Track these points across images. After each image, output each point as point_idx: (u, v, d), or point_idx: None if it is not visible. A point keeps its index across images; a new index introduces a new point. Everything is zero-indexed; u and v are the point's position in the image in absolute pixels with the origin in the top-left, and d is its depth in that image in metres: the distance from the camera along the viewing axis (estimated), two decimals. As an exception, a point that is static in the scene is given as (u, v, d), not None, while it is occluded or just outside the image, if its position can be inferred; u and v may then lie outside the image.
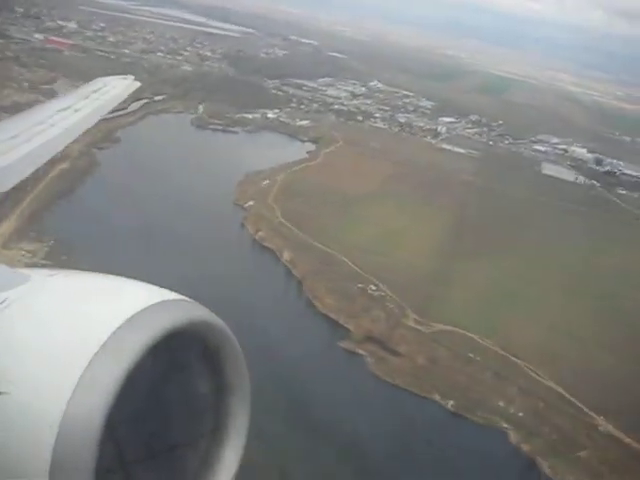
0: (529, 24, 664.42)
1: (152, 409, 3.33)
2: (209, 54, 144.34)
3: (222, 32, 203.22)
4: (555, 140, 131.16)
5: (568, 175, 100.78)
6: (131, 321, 3.07)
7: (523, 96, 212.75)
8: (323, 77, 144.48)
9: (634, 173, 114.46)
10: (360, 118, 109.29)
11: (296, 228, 56.96)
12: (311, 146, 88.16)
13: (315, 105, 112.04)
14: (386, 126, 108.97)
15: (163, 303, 3.23)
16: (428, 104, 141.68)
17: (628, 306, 54.39)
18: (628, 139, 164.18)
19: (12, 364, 3.04)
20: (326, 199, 65.67)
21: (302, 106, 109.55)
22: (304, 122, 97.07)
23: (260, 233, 55.38)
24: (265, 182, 66.69)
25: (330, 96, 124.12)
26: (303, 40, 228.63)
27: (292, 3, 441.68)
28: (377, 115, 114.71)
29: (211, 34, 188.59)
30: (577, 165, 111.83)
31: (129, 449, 3.18)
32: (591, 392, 40.11)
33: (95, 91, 12.32)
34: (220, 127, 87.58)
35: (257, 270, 49.27)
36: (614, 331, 48.92)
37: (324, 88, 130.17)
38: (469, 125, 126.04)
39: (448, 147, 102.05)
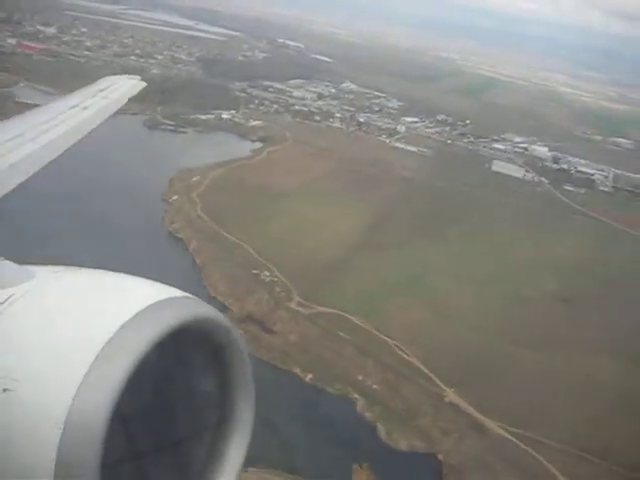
0: (527, 24, 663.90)
1: (157, 405, 3.37)
2: (184, 57, 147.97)
3: (207, 35, 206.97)
4: (518, 139, 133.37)
5: (517, 172, 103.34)
6: (136, 318, 3.09)
7: (505, 97, 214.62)
8: (295, 79, 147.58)
9: (589, 170, 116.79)
10: (318, 118, 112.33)
11: (211, 221, 60.23)
12: (258, 145, 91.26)
13: (275, 106, 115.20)
14: (343, 126, 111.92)
15: (168, 300, 3.25)
16: (396, 104, 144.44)
17: (520, 293, 57.29)
18: (599, 138, 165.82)
19: (17, 361, 3.03)
20: (252, 194, 68.88)
21: (262, 107, 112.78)
22: (257, 122, 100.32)
23: (174, 225, 58.76)
24: (195, 178, 69.93)
25: (295, 97, 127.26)
26: (290, 43, 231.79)
27: (288, 6, 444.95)
28: (337, 115, 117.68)
29: (194, 37, 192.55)
30: (532, 163, 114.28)
31: (135, 444, 3.23)
32: (450, 368, 43.14)
33: (102, 90, 12.58)
34: (171, 128, 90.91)
35: (162, 258, 52.50)
36: (494, 316, 51.79)
37: (291, 90, 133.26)
38: (432, 125, 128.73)
39: (401, 146, 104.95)
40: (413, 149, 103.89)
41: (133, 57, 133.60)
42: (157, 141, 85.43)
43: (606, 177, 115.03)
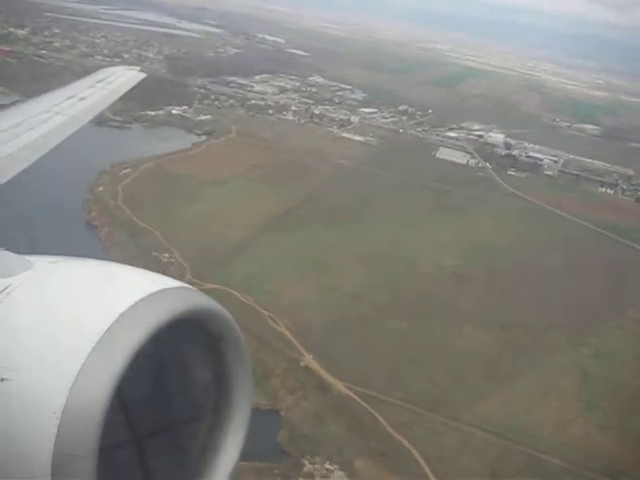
0: (522, 15, 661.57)
1: (154, 395, 3.44)
2: (151, 55, 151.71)
3: (185, 33, 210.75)
4: (477, 127, 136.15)
5: (461, 159, 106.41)
6: (134, 308, 3.12)
7: (483, 86, 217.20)
8: (262, 74, 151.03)
9: (538, 156, 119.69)
10: (271, 112, 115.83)
11: (129, 209, 64.11)
12: (202, 139, 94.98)
13: (231, 101, 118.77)
14: (295, 118, 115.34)
15: (166, 291, 3.29)
16: (360, 96, 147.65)
17: (415, 270, 60.85)
18: (566, 124, 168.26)
19: (15, 350, 3.04)
20: (178, 184, 72.65)
21: (216, 102, 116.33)
22: (206, 117, 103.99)
23: (92, 214, 62.70)
24: (126, 171, 73.79)
25: (255, 92, 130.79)
26: (269, 38, 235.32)
27: (283, 2, 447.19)
28: (293, 108, 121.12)
29: (171, 35, 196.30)
30: (482, 149, 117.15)
31: (132, 433, 3.26)
32: (317, 337, 46.74)
33: (100, 81, 12.75)
34: (117, 124, 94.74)
35: (72, 243, 56.30)
36: (381, 291, 55.39)
37: (253, 85, 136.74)
38: (389, 115, 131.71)
39: (348, 136, 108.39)
40: (360, 139, 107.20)
41: (99, 57, 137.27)
42: (99, 137, 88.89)
43: (555, 162, 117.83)
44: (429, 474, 34.60)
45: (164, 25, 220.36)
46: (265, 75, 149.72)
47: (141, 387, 3.32)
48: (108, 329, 3.05)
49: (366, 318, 50.18)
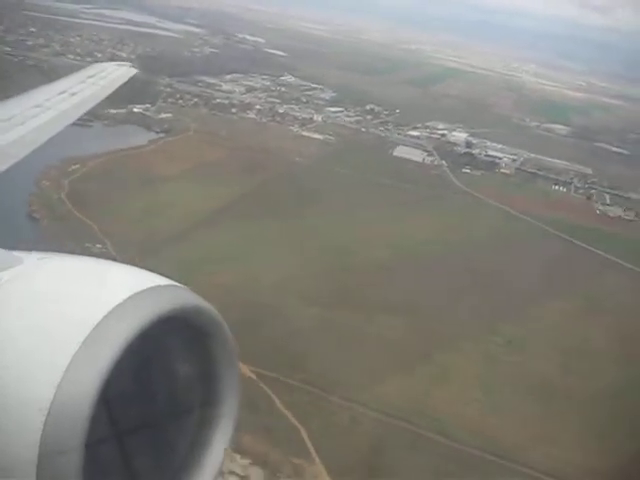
0: (510, 16, 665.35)
1: (142, 393, 3.50)
2: (124, 55, 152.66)
3: (165, 33, 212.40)
4: (442, 126, 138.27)
5: (418, 157, 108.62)
6: (122, 306, 3.17)
7: (460, 87, 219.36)
8: (234, 73, 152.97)
9: (497, 154, 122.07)
10: (234, 110, 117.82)
11: (70, 203, 66.17)
12: (160, 136, 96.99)
13: (196, 100, 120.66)
14: (258, 117, 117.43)
15: (154, 288, 3.36)
16: (329, 96, 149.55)
17: (347, 263, 63.08)
18: (535, 124, 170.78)
19: (2, 346, 3.07)
20: (126, 180, 74.65)
21: (180, 101, 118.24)
22: (167, 115, 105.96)
23: (34, 207, 64.76)
24: (75, 166, 75.77)
25: (223, 91, 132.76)
26: (250, 38, 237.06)
27: (271, 2, 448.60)
28: (257, 107, 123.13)
29: (148, 35, 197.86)
30: (442, 147, 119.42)
31: (119, 430, 3.29)
32: (228, 322, 48.88)
33: (92, 76, 12.81)
34: (78, 122, 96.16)
35: (13, 233, 58.21)
36: (307, 282, 57.60)
37: (222, 84, 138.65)
38: (354, 114, 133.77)
39: (307, 134, 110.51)
40: (319, 137, 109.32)
41: (71, 55, 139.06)
42: (58, 134, 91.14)
43: (514, 161, 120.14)
44: (311, 449, 36.72)
45: (144, 24, 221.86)
46: (236, 74, 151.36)
47: (128, 384, 3.35)
48: (96, 326, 3.07)
49: (283, 306, 52.29)
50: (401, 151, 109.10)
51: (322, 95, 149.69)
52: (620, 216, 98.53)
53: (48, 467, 2.90)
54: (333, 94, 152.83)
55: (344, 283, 59.08)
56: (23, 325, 3.19)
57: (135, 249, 57.59)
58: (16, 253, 3.80)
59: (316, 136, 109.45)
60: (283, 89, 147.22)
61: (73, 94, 11.50)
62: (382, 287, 59.17)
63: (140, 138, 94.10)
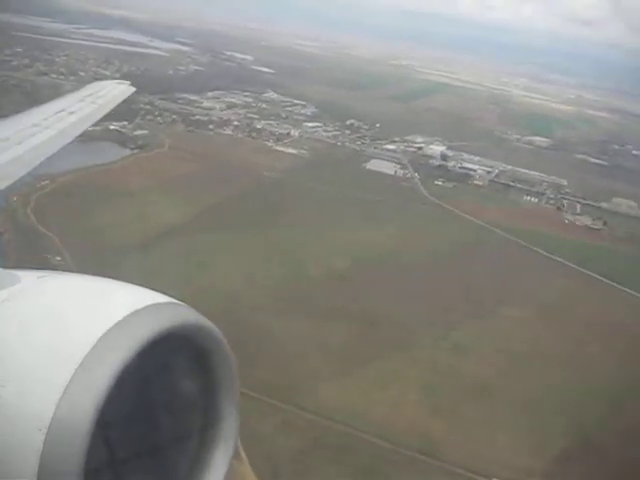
0: (504, 32, 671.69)
1: (142, 411, 3.44)
2: (108, 74, 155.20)
3: (152, 51, 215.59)
4: (420, 140, 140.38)
5: (390, 170, 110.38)
6: (121, 324, 3.15)
7: (443, 101, 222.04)
8: (214, 90, 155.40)
9: (472, 167, 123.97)
10: (211, 127, 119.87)
11: (35, 217, 67.86)
12: (133, 152, 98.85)
13: (174, 117, 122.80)
14: (234, 133, 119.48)
15: (153, 306, 3.34)
16: (310, 111, 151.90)
17: (303, 273, 64.58)
18: (516, 137, 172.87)
19: (1, 365, 3.06)
20: (92, 195, 76.34)
21: (159, 118, 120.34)
22: (143, 132, 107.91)
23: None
24: (44, 182, 77.50)
25: (202, 107, 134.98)
26: (238, 55, 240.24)
27: (262, 20, 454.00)
28: (235, 123, 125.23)
29: (136, 54, 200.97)
30: (416, 161, 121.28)
31: (118, 450, 3.27)
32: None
33: (90, 95, 12.78)
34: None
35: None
36: (260, 290, 59.10)
37: (203, 101, 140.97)
38: (332, 129, 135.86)
39: (282, 149, 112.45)
40: (293, 151, 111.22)
41: (54, 75, 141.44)
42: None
43: (489, 172, 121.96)
44: (241, 449, 37.94)
45: (133, 44, 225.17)
46: (218, 92, 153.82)
47: (128, 403, 3.31)
48: (95, 345, 3.06)
49: (228, 312, 53.54)
50: (374, 164, 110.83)
51: (303, 111, 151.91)
52: (587, 225, 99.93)
53: None
54: (314, 110, 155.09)
55: (298, 292, 60.51)
56: (22, 343, 3.18)
57: (93, 262, 59.12)
58: (14, 272, 3.78)
59: (290, 151, 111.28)
60: (264, 105, 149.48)
61: (71, 113, 11.43)
62: (336, 295, 60.58)
63: (113, 154, 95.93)
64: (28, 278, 3.72)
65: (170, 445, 3.64)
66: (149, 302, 3.38)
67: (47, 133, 10.01)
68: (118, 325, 3.17)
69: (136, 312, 3.26)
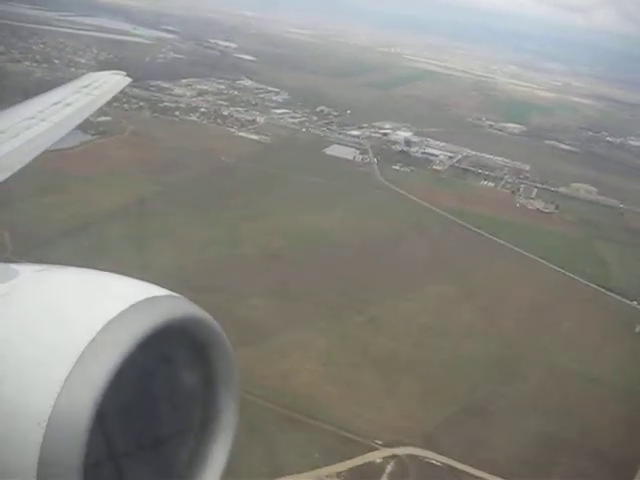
0: (499, 18, 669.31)
1: (141, 404, 3.47)
2: (84, 61, 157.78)
3: (133, 39, 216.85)
4: (388, 126, 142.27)
5: (349, 155, 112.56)
6: (120, 317, 3.18)
7: (424, 88, 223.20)
8: (188, 78, 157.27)
9: (434, 152, 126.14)
10: (177, 113, 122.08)
11: (-21, 200, 70.40)
12: (93, 138, 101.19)
13: (141, 103, 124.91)
14: (199, 119, 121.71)
15: (152, 299, 3.36)
16: (281, 98, 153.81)
17: (238, 252, 67.20)
18: (490, 124, 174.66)
19: (0, 359, 3.06)
20: (44, 178, 78.65)
21: (125, 104, 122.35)
22: (106, 118, 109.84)
23: (-54, 203, 69.02)
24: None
25: (172, 95, 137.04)
26: (222, 43, 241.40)
27: (258, 7, 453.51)
28: (202, 110, 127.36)
29: (116, 41, 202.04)
30: (380, 146, 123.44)
31: (118, 444, 3.30)
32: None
33: (86, 86, 12.60)
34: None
35: None
36: (191, 269, 61.72)
37: (175, 88, 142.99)
38: (300, 115, 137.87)
39: (244, 135, 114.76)
40: (255, 137, 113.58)
41: (27, 62, 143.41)
42: None
43: (451, 158, 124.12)
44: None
45: (116, 31, 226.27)
46: (193, 79, 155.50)
47: (127, 396, 3.36)
48: (93, 339, 3.10)
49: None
50: (334, 150, 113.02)
51: (275, 98, 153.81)
52: (538, 209, 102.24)
53: None
54: (287, 97, 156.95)
55: (228, 270, 63.11)
56: (21, 338, 3.17)
57: (32, 241, 61.89)
58: (12, 265, 3.78)
59: (252, 137, 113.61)
60: (236, 92, 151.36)
61: (68, 105, 11.35)
62: (263, 272, 63.19)
63: (72, 140, 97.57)
64: (25, 272, 3.70)
65: (169, 438, 3.67)
66: (147, 295, 3.40)
67: (43, 125, 9.94)
68: (116, 319, 3.18)
69: (134, 306, 3.27)
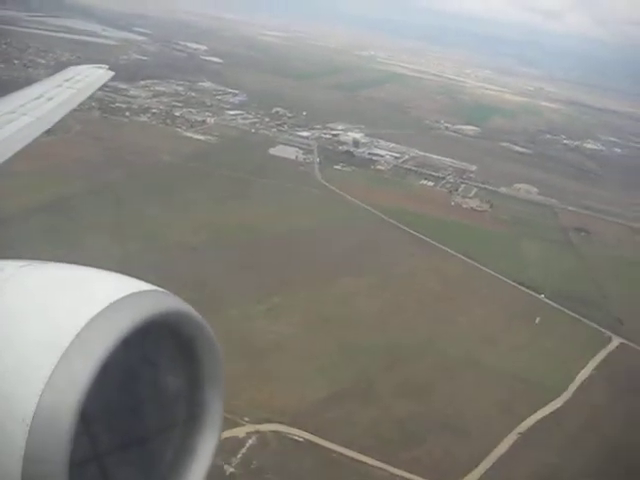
0: (482, 24, 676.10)
1: (126, 400, 3.46)
2: (43, 62, 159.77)
3: (100, 41, 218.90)
4: (341, 127, 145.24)
5: (292, 155, 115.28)
6: (104, 313, 3.16)
7: (389, 91, 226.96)
8: (147, 79, 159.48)
9: (380, 152, 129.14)
10: (127, 114, 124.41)
11: None
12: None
13: (93, 104, 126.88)
14: (149, 120, 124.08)
15: (137, 294, 3.35)
16: (238, 100, 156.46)
17: (161, 245, 69.68)
18: (447, 126, 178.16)
19: None
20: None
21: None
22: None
23: None
24: None
25: (127, 96, 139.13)
26: (191, 45, 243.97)
27: (236, 10, 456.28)
28: (153, 111, 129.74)
29: (82, 43, 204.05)
30: (326, 146, 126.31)
31: (103, 440, 3.28)
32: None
33: (68, 80, 12.62)
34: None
35: None
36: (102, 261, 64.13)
37: (131, 89, 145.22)
38: (253, 117, 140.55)
39: (190, 135, 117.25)
40: (201, 138, 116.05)
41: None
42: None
43: (396, 158, 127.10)
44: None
45: (84, 33, 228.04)
46: (152, 80, 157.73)
47: (112, 393, 3.37)
48: (78, 335, 3.08)
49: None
50: (278, 150, 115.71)
51: (232, 99, 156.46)
52: (472, 207, 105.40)
53: (34, 478, 2.90)
54: (244, 98, 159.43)
55: (142, 263, 65.50)
56: (4, 335, 3.18)
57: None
58: None
59: (198, 137, 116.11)
60: (193, 94, 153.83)
61: (50, 99, 11.25)
62: (177, 264, 65.63)
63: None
64: (9, 268, 3.66)
65: (155, 434, 3.65)
66: (132, 290, 3.38)
67: (24, 120, 9.84)
68: (101, 314, 3.16)
69: (119, 301, 3.26)
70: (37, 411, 2.91)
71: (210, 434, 3.76)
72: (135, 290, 3.40)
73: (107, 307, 3.25)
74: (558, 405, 54.64)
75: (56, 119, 11.07)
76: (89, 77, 13.77)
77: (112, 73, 15.63)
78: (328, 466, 42.11)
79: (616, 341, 68.73)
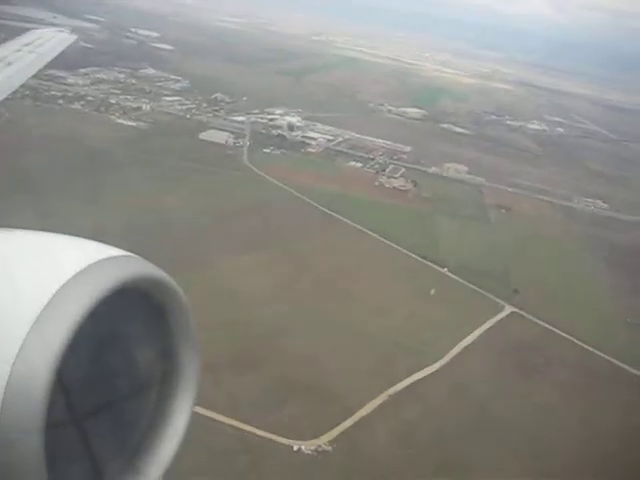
0: (445, 8, 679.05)
1: (100, 365, 3.51)
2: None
3: (46, 28, 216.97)
4: (278, 111, 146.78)
5: (222, 139, 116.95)
6: (76, 279, 3.16)
7: (338, 76, 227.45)
8: (87, 67, 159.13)
9: (313, 135, 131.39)
10: (60, 102, 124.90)
11: None
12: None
13: (27, 92, 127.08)
14: (82, 107, 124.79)
15: (108, 260, 3.35)
16: (179, 86, 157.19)
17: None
18: (391, 109, 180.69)
19: None
20: None
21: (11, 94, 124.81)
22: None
23: None
24: None
25: (65, 84, 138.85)
26: (142, 32, 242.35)
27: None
28: (88, 98, 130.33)
29: (25, 30, 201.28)
30: (259, 130, 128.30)
31: (78, 404, 3.30)
32: None
33: (28, 44, 12.06)
34: None
35: None
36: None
37: (70, 77, 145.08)
38: (190, 103, 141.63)
39: (121, 121, 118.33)
40: (132, 124, 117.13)
41: None
42: None
43: (329, 141, 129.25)
44: None
45: (31, 20, 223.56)
46: (92, 68, 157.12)
47: (86, 358, 3.41)
48: (49, 301, 3.08)
49: None
50: (209, 134, 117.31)
51: (173, 86, 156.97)
52: (395, 187, 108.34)
53: (9, 446, 2.91)
54: (186, 85, 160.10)
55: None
56: None
57: None
58: None
59: (130, 123, 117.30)
60: (134, 81, 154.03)
61: (9, 64, 10.49)
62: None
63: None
64: None
65: (131, 396, 3.77)
66: (103, 256, 3.42)
67: None
68: (72, 280, 3.18)
69: (90, 266, 3.29)
70: (10, 380, 2.95)
71: (186, 395, 3.84)
72: (106, 255, 3.45)
73: (78, 273, 3.25)
74: (433, 370, 57.78)
75: (17, 85, 10.09)
76: (50, 41, 13.09)
77: (74, 37, 14.02)
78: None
79: (508, 310, 71.93)
